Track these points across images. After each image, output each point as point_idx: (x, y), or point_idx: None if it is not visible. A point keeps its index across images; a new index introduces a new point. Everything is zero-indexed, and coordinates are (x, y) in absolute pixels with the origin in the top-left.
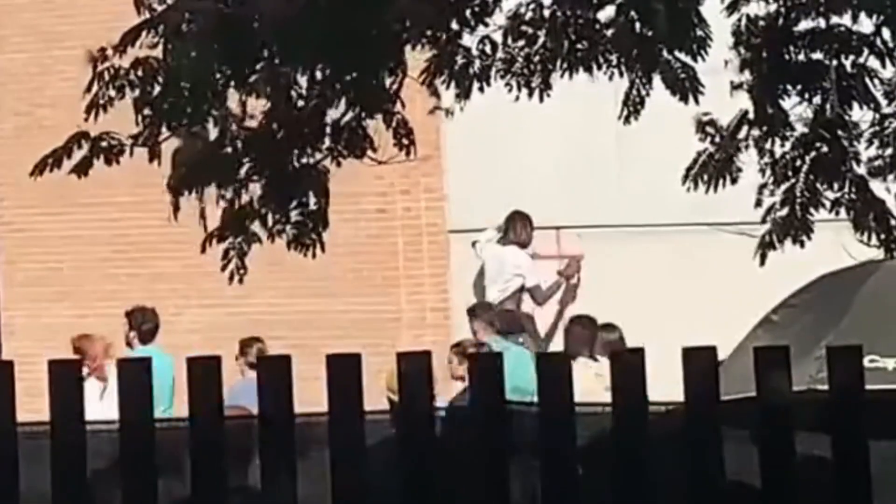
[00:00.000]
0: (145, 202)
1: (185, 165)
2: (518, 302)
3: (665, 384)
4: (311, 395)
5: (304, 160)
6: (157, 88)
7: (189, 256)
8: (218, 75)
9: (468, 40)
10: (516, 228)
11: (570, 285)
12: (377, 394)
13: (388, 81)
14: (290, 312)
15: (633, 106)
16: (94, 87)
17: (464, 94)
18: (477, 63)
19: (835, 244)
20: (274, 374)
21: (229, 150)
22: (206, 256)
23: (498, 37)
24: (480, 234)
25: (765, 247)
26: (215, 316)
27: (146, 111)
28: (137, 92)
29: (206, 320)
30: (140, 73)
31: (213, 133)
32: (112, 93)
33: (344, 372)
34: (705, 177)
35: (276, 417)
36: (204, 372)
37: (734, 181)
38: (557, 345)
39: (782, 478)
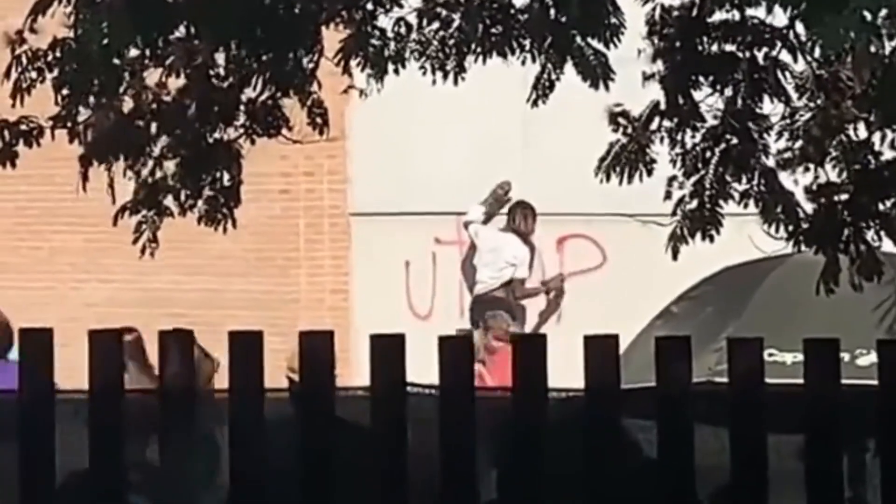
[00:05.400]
0: (53, 175)
1: (96, 137)
2: (508, 291)
3: (572, 372)
4: None
5: (217, 136)
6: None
7: (91, 231)
8: (133, 51)
9: (383, 22)
10: (517, 218)
11: (552, 299)
12: (272, 372)
13: (304, 61)
14: (189, 290)
15: (542, 90)
16: (13, 73)
17: (378, 76)
18: (392, 45)
19: (736, 238)
20: (176, 348)
21: (142, 124)
22: (108, 233)
23: (413, 19)
24: (469, 213)
25: (676, 240)
26: (114, 291)
27: (64, 91)
28: (56, 72)
29: (104, 295)
30: (58, 53)
31: (129, 106)
32: (33, 75)
33: (246, 348)
34: (618, 168)
35: (177, 392)
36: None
37: (649, 173)
38: None
39: (680, 467)
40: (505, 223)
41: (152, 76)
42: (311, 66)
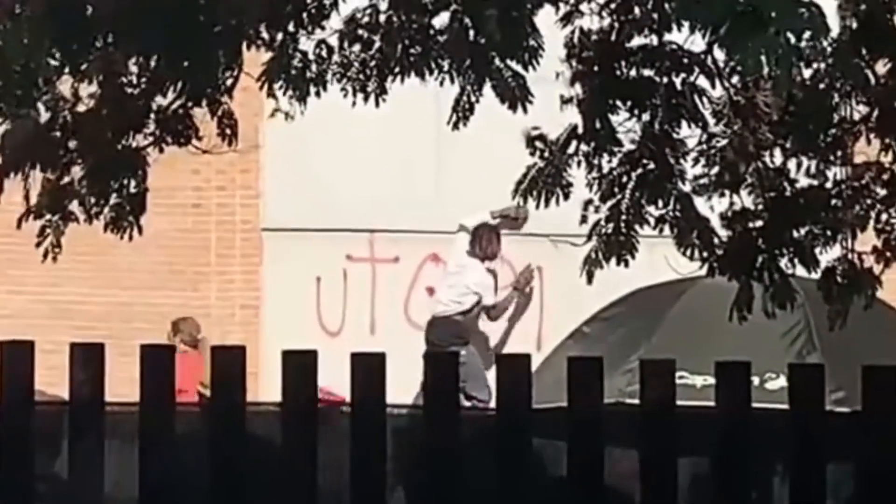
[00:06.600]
0: None
1: (12, 148)
2: (473, 317)
3: None
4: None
5: (126, 143)
6: None
7: None
8: (50, 60)
9: (305, 44)
10: (482, 242)
11: (525, 295)
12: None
13: (223, 75)
14: (97, 303)
15: (462, 112)
16: None
17: (300, 98)
18: (314, 67)
19: (648, 260)
20: (90, 360)
21: (58, 133)
22: (16, 244)
23: (334, 41)
24: (470, 219)
25: (591, 264)
26: (21, 303)
27: None
28: None
29: (11, 307)
30: None
31: (44, 117)
32: None
33: (157, 363)
34: (535, 192)
35: (88, 405)
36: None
37: (566, 196)
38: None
39: (590, 488)
40: (469, 247)
41: (66, 83)
42: (230, 81)
